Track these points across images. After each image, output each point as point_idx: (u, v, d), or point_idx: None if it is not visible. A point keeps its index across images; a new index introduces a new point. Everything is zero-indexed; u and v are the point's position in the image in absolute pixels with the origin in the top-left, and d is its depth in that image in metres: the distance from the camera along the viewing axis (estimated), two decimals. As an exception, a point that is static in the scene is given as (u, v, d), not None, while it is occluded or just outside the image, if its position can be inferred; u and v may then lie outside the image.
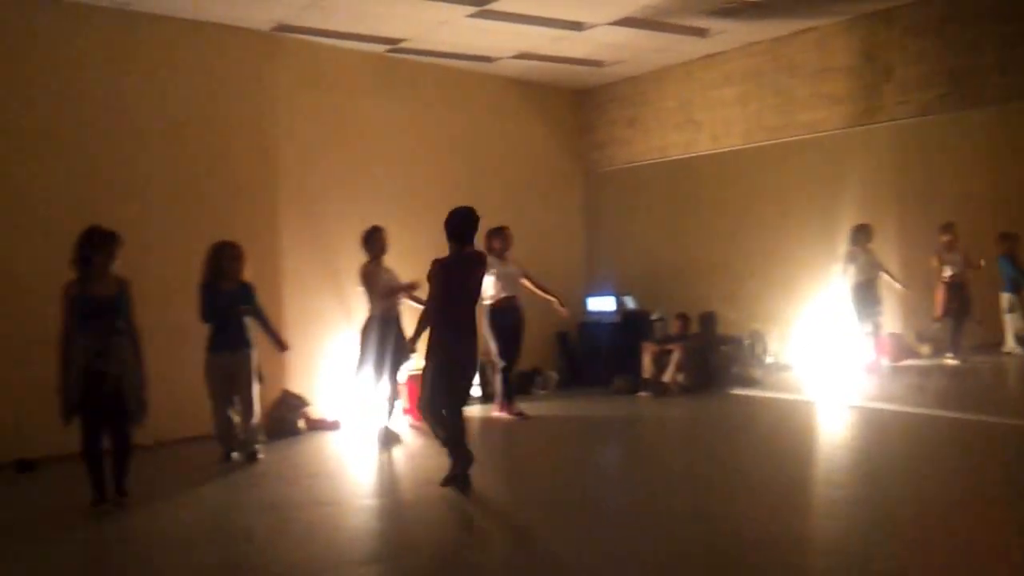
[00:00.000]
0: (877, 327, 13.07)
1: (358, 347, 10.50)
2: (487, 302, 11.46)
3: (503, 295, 11.61)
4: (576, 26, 11.98)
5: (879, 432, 10.14)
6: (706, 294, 14.03)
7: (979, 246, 14.18)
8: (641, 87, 14.94)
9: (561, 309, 12.04)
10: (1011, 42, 10.65)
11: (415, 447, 10.24)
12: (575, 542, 6.43)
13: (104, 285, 7.69)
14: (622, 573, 5.68)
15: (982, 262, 13.97)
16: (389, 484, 8.79)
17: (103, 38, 10.53)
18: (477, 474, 7.93)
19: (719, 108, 13.94)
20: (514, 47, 12.93)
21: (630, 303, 14.52)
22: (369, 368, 10.37)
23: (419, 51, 12.83)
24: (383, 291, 10.43)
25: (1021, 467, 8.38)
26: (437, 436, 8.12)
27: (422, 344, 8.22)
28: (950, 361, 13.83)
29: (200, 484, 8.84)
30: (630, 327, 14.12)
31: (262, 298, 9.77)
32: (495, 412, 11.87)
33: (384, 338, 10.36)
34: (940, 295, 13.43)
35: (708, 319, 13.59)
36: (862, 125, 12.41)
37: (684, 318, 13.65)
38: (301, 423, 11.36)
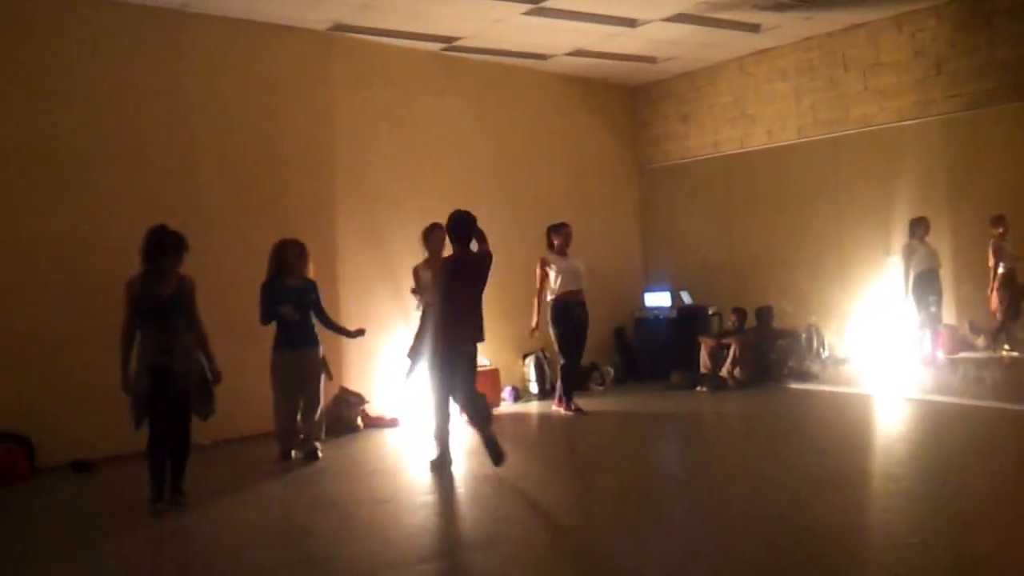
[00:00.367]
0: (935, 320, 12.96)
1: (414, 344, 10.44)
2: (549, 297, 11.48)
3: (565, 290, 11.51)
4: (630, 23, 12.00)
5: (937, 425, 10.05)
6: (762, 288, 13.98)
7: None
8: (695, 83, 14.95)
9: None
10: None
11: (475, 444, 10.25)
12: (635, 540, 6.36)
13: (167, 284, 7.69)
14: (683, 571, 5.68)
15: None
16: (447, 481, 8.82)
17: (161, 39, 10.64)
18: (536, 471, 7.96)
19: (773, 103, 13.94)
20: (568, 44, 12.96)
21: (686, 298, 14.52)
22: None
23: (474, 49, 12.90)
24: None
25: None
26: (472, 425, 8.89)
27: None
28: (1007, 353, 13.66)
29: (259, 482, 8.84)
30: (686, 322, 14.12)
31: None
32: (554, 407, 11.89)
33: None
34: (994, 288, 13.27)
35: (765, 313, 13.53)
36: (914, 119, 12.40)
37: (740, 312, 13.60)
38: (359, 420, 11.45)
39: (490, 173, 13.45)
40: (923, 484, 7.49)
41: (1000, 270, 12.43)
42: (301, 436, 9.59)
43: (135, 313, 7.64)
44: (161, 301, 7.64)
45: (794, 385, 12.80)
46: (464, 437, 9.60)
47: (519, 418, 11.84)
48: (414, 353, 10.17)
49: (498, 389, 12.64)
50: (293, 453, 9.57)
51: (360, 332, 9.99)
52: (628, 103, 15.80)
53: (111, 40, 10.34)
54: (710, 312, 14.37)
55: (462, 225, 8.80)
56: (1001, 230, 12.28)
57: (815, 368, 13.35)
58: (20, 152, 9.72)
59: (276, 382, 9.44)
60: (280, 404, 9.48)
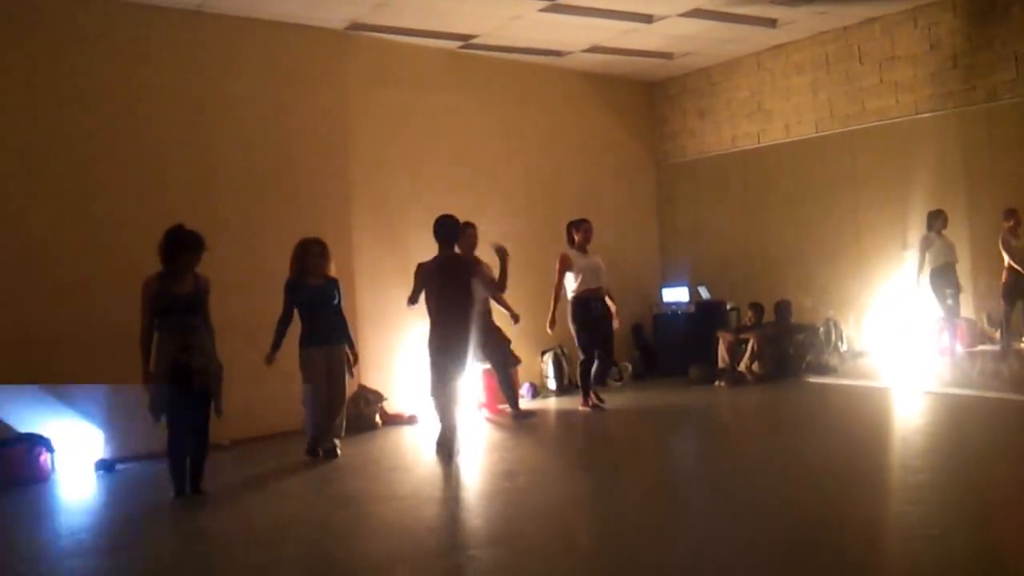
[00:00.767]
0: (953, 313, 12.92)
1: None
2: (570, 294, 11.45)
3: (586, 287, 11.38)
4: (646, 18, 12.02)
5: (955, 418, 10.04)
6: (780, 283, 13.99)
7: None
8: (712, 78, 14.96)
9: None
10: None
11: (494, 439, 10.30)
12: (655, 535, 6.35)
13: (184, 283, 7.76)
14: (704, 562, 5.68)
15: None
16: (466, 477, 8.82)
17: (176, 40, 10.71)
18: (555, 466, 7.95)
19: (790, 97, 13.94)
20: (585, 41, 12.99)
21: (704, 293, 14.53)
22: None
23: (491, 47, 12.93)
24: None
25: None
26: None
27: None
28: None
29: (278, 479, 8.89)
30: (704, 317, 14.14)
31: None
32: (580, 407, 11.68)
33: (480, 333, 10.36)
34: (1004, 279, 13.23)
35: (782, 307, 13.52)
36: (930, 112, 12.40)
37: (758, 307, 13.61)
38: (377, 418, 11.49)
39: (507, 170, 13.47)
40: (942, 476, 7.47)
41: (1009, 261, 12.40)
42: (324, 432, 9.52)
43: (153, 312, 7.70)
44: (179, 300, 7.73)
45: (812, 379, 12.80)
46: (482, 432, 9.62)
47: (538, 414, 11.83)
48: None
49: (517, 385, 12.60)
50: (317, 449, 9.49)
51: (352, 361, 9.79)
52: (645, 99, 15.80)
53: (127, 41, 10.42)
54: (728, 307, 14.39)
55: (445, 227, 9.59)
56: (1012, 223, 12.24)
57: (833, 362, 13.33)
58: (35, 153, 9.79)
59: (308, 377, 9.31)
60: (313, 398, 9.35)
